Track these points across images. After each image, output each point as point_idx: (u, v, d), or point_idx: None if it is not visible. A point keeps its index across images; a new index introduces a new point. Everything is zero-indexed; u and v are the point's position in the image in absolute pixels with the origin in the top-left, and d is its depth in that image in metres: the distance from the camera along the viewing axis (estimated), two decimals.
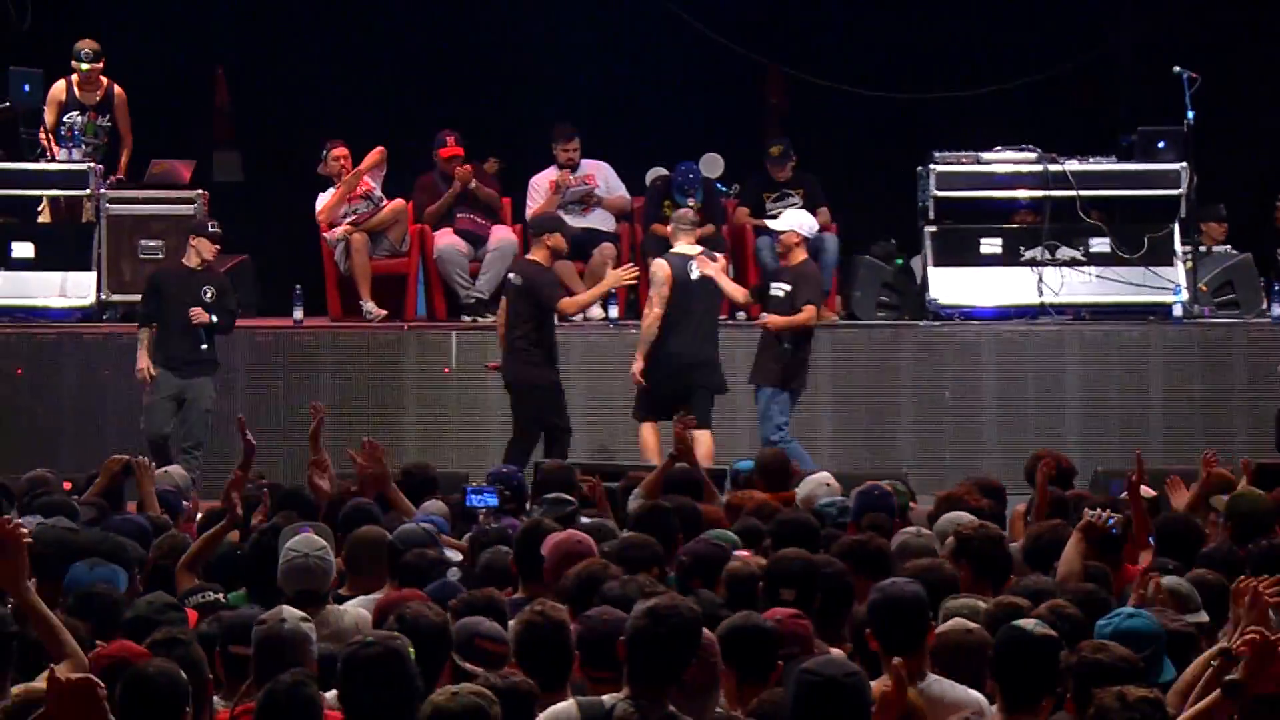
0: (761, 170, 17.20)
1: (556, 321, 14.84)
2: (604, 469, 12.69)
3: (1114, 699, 5.98)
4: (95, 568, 8.28)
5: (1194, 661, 6.86)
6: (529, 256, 14.81)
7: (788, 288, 14.79)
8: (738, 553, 8.66)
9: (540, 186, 16.84)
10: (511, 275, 14.82)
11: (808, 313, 14.66)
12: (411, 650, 6.41)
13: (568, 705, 6.36)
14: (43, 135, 16.47)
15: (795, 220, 15.14)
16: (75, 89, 16.54)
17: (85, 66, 16.42)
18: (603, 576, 7.78)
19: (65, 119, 16.47)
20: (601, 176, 16.89)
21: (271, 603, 7.95)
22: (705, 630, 6.77)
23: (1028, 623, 6.79)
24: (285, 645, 6.86)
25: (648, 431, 14.79)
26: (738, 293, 15.06)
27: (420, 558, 8.75)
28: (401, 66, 18.98)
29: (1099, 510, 8.96)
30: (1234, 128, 18.30)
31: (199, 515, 11.21)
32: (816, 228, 15.26)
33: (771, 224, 15.39)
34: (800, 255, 14.93)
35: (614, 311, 16.32)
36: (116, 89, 16.60)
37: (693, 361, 14.70)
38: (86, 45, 16.47)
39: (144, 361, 14.79)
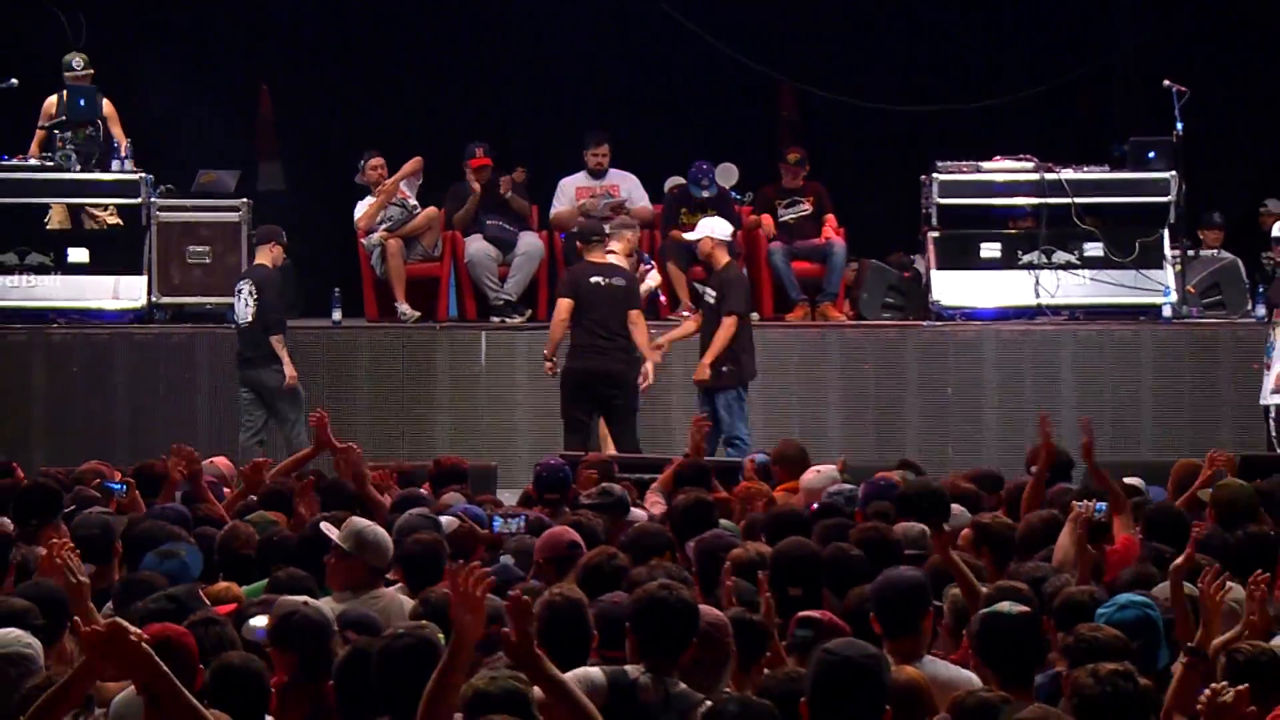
0: (774, 178, 17.20)
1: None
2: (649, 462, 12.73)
3: (1087, 675, 5.95)
4: (165, 560, 8.27)
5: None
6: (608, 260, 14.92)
7: (714, 293, 14.84)
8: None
9: (568, 189, 16.87)
10: (615, 280, 14.84)
11: (728, 326, 14.64)
12: (442, 636, 6.38)
13: (595, 670, 6.44)
14: (34, 149, 16.35)
15: (713, 227, 15.20)
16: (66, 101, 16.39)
17: (78, 73, 16.30)
18: (606, 566, 7.80)
19: (54, 130, 16.39)
20: (627, 188, 16.90)
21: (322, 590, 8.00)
22: (719, 613, 6.84)
23: (1003, 605, 6.80)
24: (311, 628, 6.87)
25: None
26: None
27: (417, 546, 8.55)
28: (434, 82, 19.03)
29: (1086, 501, 8.98)
30: (1224, 138, 18.28)
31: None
32: (730, 231, 15.29)
33: (688, 236, 15.39)
34: (724, 259, 14.96)
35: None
36: (105, 101, 16.47)
37: None
38: (78, 56, 16.43)
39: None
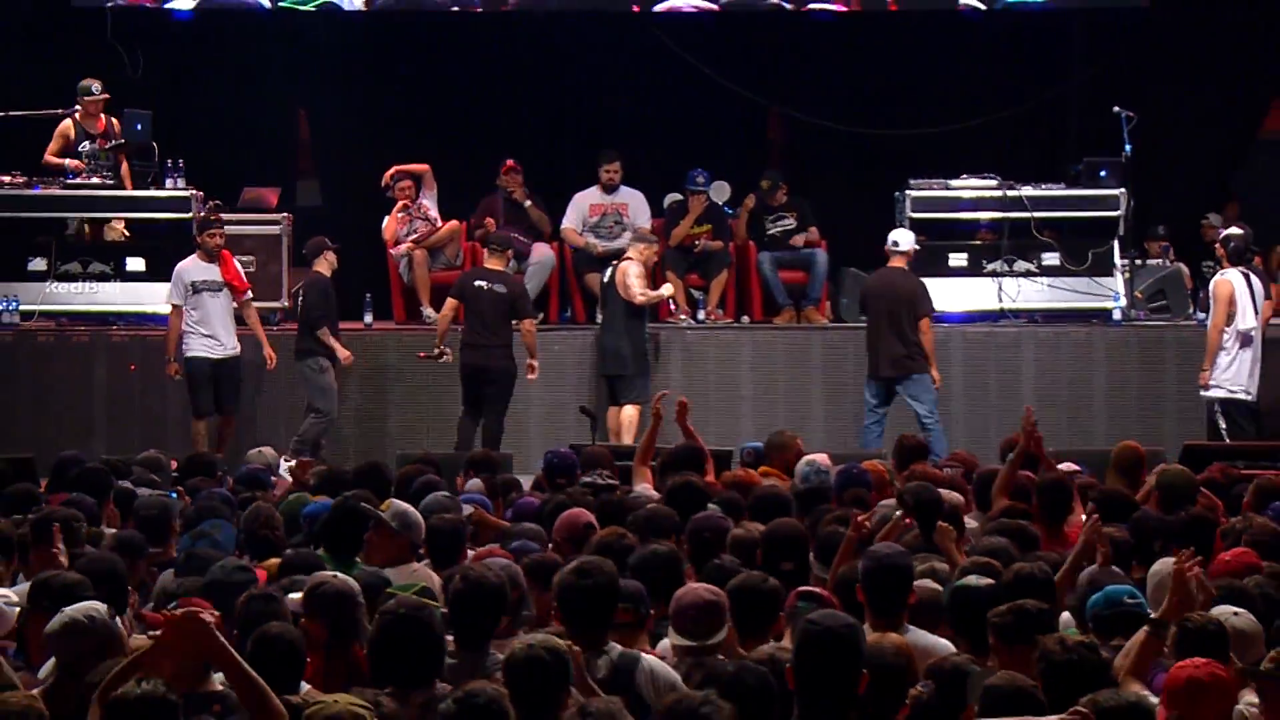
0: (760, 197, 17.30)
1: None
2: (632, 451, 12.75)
3: (1056, 644, 6.07)
4: (198, 540, 8.38)
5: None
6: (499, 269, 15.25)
7: None
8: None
9: (581, 204, 16.92)
10: (497, 286, 15.07)
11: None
12: (440, 610, 6.44)
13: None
14: (52, 161, 16.22)
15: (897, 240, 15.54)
16: (81, 123, 16.33)
17: (98, 97, 16.23)
18: (616, 544, 7.84)
19: (80, 148, 16.27)
20: (634, 204, 16.95)
21: (348, 563, 8.04)
22: (713, 590, 6.85)
23: (970, 578, 6.89)
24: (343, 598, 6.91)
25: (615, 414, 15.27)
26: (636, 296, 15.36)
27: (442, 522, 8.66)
28: (456, 107, 19.02)
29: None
30: (1168, 158, 18.34)
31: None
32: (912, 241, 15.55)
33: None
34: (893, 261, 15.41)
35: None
36: (115, 120, 16.45)
37: (611, 351, 15.43)
38: (95, 81, 16.39)
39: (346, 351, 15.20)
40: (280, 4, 17.87)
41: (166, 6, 17.86)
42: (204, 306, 15.06)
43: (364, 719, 5.39)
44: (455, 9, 18.37)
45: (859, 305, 15.67)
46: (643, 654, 6.52)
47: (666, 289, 15.67)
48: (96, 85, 16.37)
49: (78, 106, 16.26)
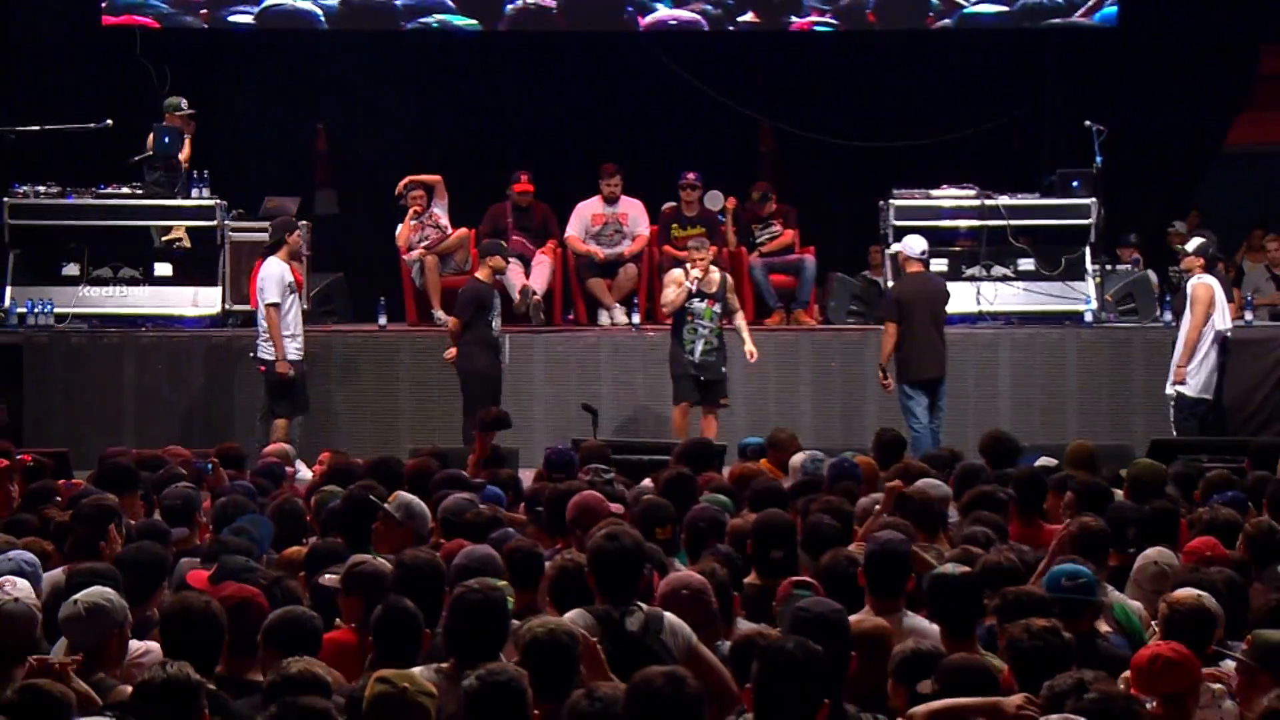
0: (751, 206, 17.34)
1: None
2: (630, 445, 12.82)
3: (1021, 630, 6.10)
4: (240, 534, 8.42)
5: None
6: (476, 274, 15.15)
7: None
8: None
9: (584, 213, 16.95)
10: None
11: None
12: (511, 600, 6.47)
13: (580, 611, 6.51)
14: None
15: (906, 244, 15.17)
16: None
17: (187, 111, 16.36)
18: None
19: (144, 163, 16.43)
20: (633, 214, 16.99)
21: (360, 551, 8.07)
22: (701, 577, 6.89)
23: (947, 567, 6.91)
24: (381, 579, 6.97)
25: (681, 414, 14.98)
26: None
27: (478, 517, 8.76)
28: (466, 121, 19.09)
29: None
30: (1137, 170, 18.38)
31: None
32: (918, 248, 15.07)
33: (895, 247, 15.45)
34: (909, 269, 14.99)
35: (636, 318, 16.51)
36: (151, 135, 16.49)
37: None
38: (182, 99, 16.46)
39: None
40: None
41: (230, 19, 17.89)
42: (292, 307, 14.85)
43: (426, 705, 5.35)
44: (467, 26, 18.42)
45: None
46: (665, 612, 6.56)
47: (676, 274, 15.17)
48: (184, 101, 16.42)
49: (99, 126, 16.29)
